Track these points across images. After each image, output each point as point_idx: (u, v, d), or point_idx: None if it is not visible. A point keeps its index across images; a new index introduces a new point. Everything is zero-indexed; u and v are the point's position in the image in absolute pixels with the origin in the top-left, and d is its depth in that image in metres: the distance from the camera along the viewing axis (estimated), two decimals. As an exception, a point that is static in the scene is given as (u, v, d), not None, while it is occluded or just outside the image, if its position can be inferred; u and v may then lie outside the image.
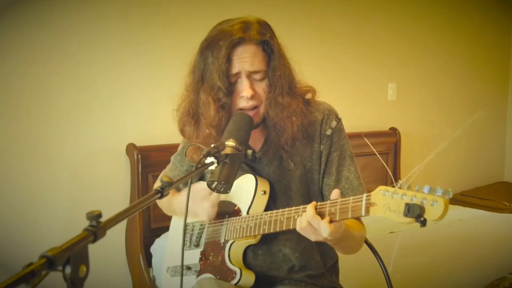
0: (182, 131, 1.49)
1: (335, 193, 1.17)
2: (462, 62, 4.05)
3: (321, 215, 1.15)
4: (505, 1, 4.28)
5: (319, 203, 1.18)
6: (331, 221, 1.13)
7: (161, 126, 2.59)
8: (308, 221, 1.16)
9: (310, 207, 1.17)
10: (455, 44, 3.97)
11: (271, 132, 1.41)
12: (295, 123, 1.37)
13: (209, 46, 1.35)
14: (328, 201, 1.16)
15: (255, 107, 1.36)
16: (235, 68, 1.32)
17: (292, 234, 1.44)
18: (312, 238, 1.19)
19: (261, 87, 1.36)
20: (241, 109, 1.36)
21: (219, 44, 1.32)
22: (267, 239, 1.45)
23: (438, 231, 2.80)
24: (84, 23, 2.43)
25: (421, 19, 3.75)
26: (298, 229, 1.20)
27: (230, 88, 1.35)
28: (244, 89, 1.33)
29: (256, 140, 1.47)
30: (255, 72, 1.34)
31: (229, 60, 1.32)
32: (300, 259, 1.47)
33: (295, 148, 1.43)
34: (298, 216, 1.22)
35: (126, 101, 2.57)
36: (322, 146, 1.44)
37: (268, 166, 1.47)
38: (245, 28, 1.33)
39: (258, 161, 1.47)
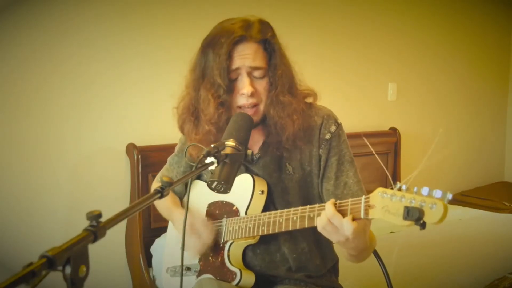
0: (181, 128, 1.49)
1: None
2: (462, 62, 4.04)
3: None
4: (505, 1, 4.27)
5: (338, 202, 1.13)
6: (353, 219, 1.09)
7: (161, 126, 2.59)
8: (328, 219, 1.12)
9: (329, 205, 1.12)
10: (455, 44, 3.97)
11: (271, 131, 1.40)
12: (296, 122, 1.37)
13: (210, 43, 1.36)
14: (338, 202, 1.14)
15: (254, 105, 1.36)
16: (236, 64, 1.32)
17: (291, 235, 1.44)
18: (334, 238, 1.14)
19: (261, 85, 1.36)
20: (240, 107, 1.36)
21: (220, 41, 1.32)
22: (267, 238, 1.44)
23: (438, 231, 2.79)
24: (84, 23, 2.43)
25: (421, 19, 3.75)
26: (319, 229, 1.15)
27: (230, 86, 1.35)
28: (244, 87, 1.33)
29: (255, 141, 1.46)
30: (256, 68, 1.33)
31: (230, 57, 1.32)
32: (297, 260, 1.46)
33: (296, 148, 1.42)
34: (296, 217, 1.22)
35: (126, 101, 2.57)
36: (321, 150, 1.43)
37: (264, 168, 1.46)
38: (246, 26, 1.33)
39: (255, 163, 1.47)
